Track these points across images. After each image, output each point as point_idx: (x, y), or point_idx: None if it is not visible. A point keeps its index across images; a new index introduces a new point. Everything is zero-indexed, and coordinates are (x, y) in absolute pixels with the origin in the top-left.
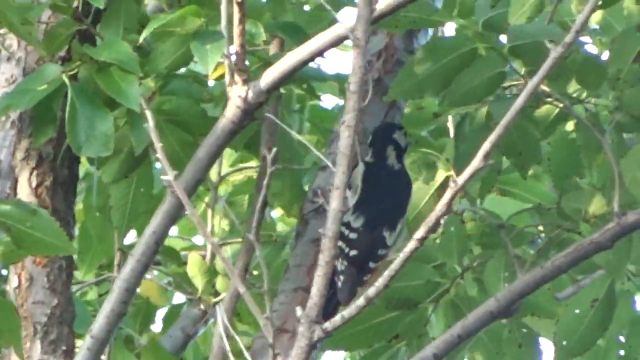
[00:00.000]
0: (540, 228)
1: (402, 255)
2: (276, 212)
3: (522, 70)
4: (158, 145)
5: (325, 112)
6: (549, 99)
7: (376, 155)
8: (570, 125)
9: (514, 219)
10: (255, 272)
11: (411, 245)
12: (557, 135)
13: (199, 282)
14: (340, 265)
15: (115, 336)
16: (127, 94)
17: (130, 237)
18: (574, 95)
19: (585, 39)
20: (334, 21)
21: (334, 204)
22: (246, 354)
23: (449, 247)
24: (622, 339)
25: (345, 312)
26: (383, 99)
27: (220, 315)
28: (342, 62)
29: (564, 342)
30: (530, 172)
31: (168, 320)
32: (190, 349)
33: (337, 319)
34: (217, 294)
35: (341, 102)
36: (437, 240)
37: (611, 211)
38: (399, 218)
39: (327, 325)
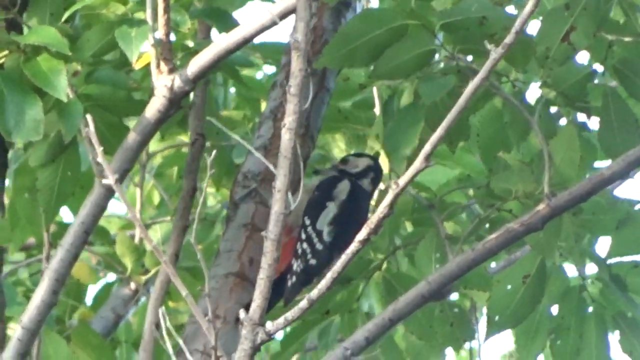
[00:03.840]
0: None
1: (344, 257)
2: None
3: (452, 48)
4: (99, 149)
5: (253, 82)
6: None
7: (358, 177)
8: (498, 101)
9: (445, 191)
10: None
11: (353, 247)
12: (485, 111)
13: (128, 261)
14: (297, 267)
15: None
16: (54, 84)
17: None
18: (502, 72)
19: (511, 9)
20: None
21: (276, 207)
22: (181, 343)
23: None
24: (554, 310)
25: (289, 314)
26: (313, 65)
27: (151, 304)
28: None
29: (496, 317)
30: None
31: (98, 301)
32: (123, 328)
33: (280, 321)
34: (147, 272)
35: (269, 70)
36: None
37: (541, 190)
38: None
39: (270, 327)
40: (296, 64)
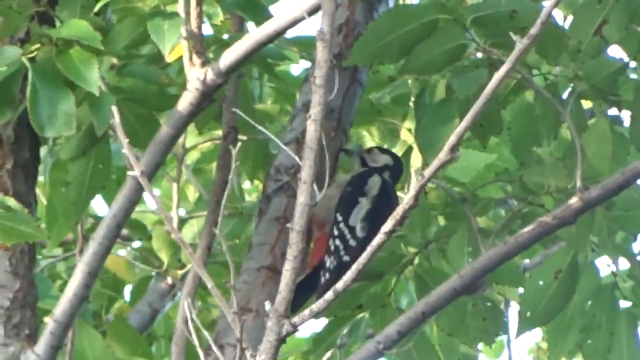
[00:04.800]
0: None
1: (369, 249)
2: (247, 183)
3: (483, 42)
4: (125, 141)
5: (288, 76)
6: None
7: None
8: (530, 95)
9: (478, 183)
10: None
11: (379, 238)
12: (517, 105)
13: (164, 255)
14: (330, 264)
15: (82, 312)
16: (86, 77)
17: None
18: (534, 65)
19: (545, 3)
20: None
21: (301, 198)
22: (208, 337)
23: (412, 219)
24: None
25: (314, 306)
26: (343, 64)
27: (183, 298)
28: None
29: (528, 313)
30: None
31: (135, 295)
32: (161, 322)
33: (305, 313)
34: (183, 267)
35: (306, 65)
36: None
37: (573, 184)
38: None
39: (296, 319)
40: (321, 55)
